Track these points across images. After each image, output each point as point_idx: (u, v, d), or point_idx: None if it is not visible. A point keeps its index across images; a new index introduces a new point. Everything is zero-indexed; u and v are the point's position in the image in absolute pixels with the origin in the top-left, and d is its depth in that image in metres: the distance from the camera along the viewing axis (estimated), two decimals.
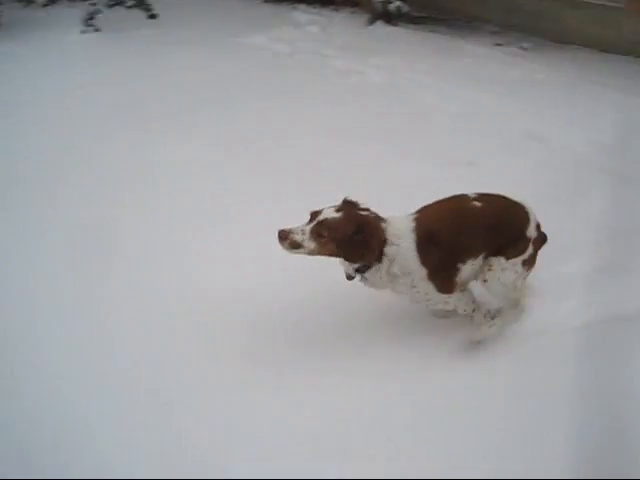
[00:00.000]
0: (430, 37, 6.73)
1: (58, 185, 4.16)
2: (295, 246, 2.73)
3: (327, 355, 2.92)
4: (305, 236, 2.71)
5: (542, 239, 3.02)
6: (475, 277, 2.99)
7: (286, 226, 2.72)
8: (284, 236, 2.73)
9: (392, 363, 2.84)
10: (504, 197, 2.97)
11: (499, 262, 2.91)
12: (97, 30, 6.94)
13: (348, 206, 2.79)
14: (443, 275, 2.83)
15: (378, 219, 2.77)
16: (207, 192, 3.97)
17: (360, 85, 5.65)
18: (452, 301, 2.92)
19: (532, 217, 2.95)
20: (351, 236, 2.68)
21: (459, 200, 2.92)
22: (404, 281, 2.80)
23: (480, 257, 2.90)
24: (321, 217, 2.73)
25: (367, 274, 2.81)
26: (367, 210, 2.80)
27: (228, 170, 4.21)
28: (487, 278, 2.94)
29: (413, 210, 2.87)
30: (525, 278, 3.01)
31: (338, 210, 2.75)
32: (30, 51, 6.57)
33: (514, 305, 3.09)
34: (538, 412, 2.58)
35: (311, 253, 2.76)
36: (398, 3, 6.96)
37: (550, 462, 2.34)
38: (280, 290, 3.22)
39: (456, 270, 2.84)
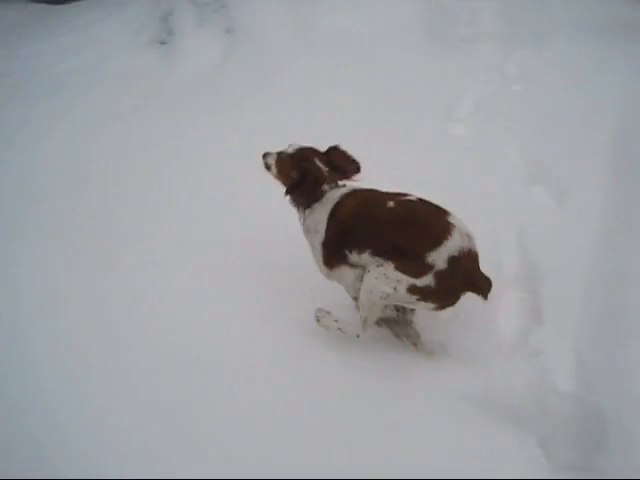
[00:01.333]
0: None
1: None
2: (267, 167, 3.16)
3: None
4: (273, 162, 3.13)
5: (476, 282, 2.66)
6: None
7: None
8: (264, 157, 3.17)
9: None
10: (440, 213, 2.69)
11: (375, 263, 2.75)
12: None
13: (308, 150, 3.07)
14: (329, 250, 2.94)
15: (318, 173, 2.98)
16: None
17: None
18: (337, 280, 2.99)
19: (452, 244, 2.56)
20: (287, 172, 3.05)
21: (381, 197, 2.85)
22: (313, 237, 3.01)
23: (366, 253, 2.77)
24: (282, 150, 3.11)
25: (300, 214, 3.07)
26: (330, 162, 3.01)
27: None
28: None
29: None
30: (406, 308, 2.89)
31: (299, 149, 3.08)
32: None
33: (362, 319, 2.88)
34: None
35: (276, 178, 3.14)
36: None
37: None
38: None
39: (342, 255, 2.89)
